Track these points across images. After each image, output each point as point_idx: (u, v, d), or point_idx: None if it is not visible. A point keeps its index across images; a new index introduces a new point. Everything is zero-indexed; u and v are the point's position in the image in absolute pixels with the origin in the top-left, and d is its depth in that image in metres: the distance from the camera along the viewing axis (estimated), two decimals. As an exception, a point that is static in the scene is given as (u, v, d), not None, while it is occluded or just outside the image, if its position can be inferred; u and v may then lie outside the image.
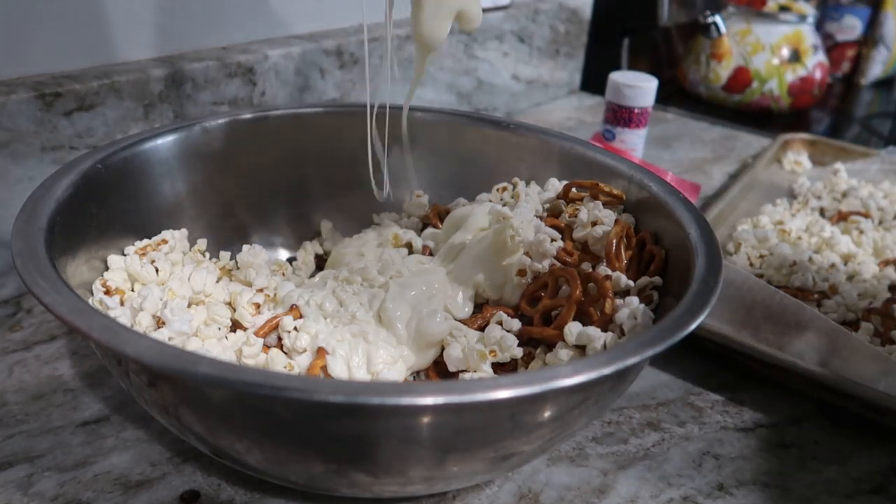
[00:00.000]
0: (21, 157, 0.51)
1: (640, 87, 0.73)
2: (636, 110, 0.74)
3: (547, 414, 0.33)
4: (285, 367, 0.40)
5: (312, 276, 0.52)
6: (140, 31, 0.60)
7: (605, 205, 0.48)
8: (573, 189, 0.49)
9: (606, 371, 0.30)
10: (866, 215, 0.68)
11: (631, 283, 0.42)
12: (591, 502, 0.40)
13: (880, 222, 0.69)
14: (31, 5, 0.53)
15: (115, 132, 0.56)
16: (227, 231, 0.52)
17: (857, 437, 0.46)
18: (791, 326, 0.48)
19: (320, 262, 0.55)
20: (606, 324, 0.41)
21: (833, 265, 0.59)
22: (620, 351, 0.31)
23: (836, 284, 0.57)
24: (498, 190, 0.53)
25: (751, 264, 0.62)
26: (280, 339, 0.42)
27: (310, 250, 0.55)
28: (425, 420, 0.30)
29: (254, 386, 0.27)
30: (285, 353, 0.41)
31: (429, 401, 0.28)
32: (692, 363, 0.51)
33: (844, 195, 0.74)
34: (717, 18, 1.02)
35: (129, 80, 0.56)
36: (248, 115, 0.52)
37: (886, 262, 0.60)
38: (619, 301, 0.41)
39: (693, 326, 0.33)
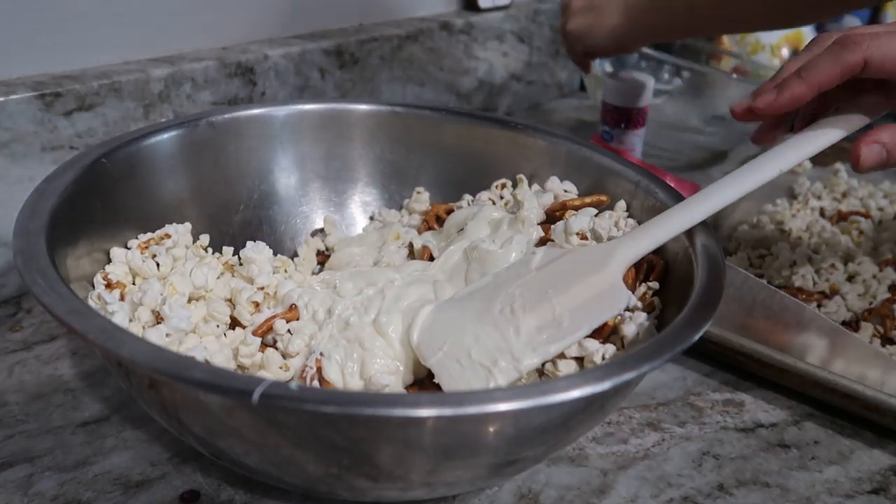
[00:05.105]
0: (21, 157, 0.51)
1: (635, 87, 0.72)
2: (633, 111, 0.73)
3: (545, 425, 0.33)
4: (280, 368, 0.40)
5: (315, 273, 0.52)
6: (140, 31, 0.60)
7: (592, 205, 0.48)
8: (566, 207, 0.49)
9: (603, 388, 0.30)
10: (866, 215, 0.68)
11: (639, 304, 0.42)
12: (591, 502, 0.40)
13: (880, 222, 0.69)
14: (30, 5, 0.53)
15: (115, 132, 0.56)
16: (230, 226, 0.52)
17: (857, 437, 0.46)
18: (791, 326, 0.48)
19: (323, 258, 0.55)
20: (609, 334, 0.41)
21: (833, 265, 0.59)
22: (618, 366, 0.31)
23: (836, 284, 0.57)
24: (497, 187, 0.53)
25: (751, 264, 0.62)
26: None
27: (312, 246, 0.55)
28: (421, 431, 0.30)
29: (246, 395, 0.27)
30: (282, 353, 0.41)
31: (422, 413, 0.27)
32: (692, 363, 0.51)
33: (844, 195, 0.74)
34: (717, 19, 1.01)
35: (129, 80, 0.56)
36: (252, 111, 0.52)
37: (886, 262, 0.60)
38: (627, 314, 0.41)
39: (692, 341, 0.33)
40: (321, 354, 0.40)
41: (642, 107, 0.74)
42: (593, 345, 0.39)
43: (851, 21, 1.22)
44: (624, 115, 0.74)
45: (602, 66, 0.84)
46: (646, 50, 0.79)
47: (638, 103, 0.73)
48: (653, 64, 0.84)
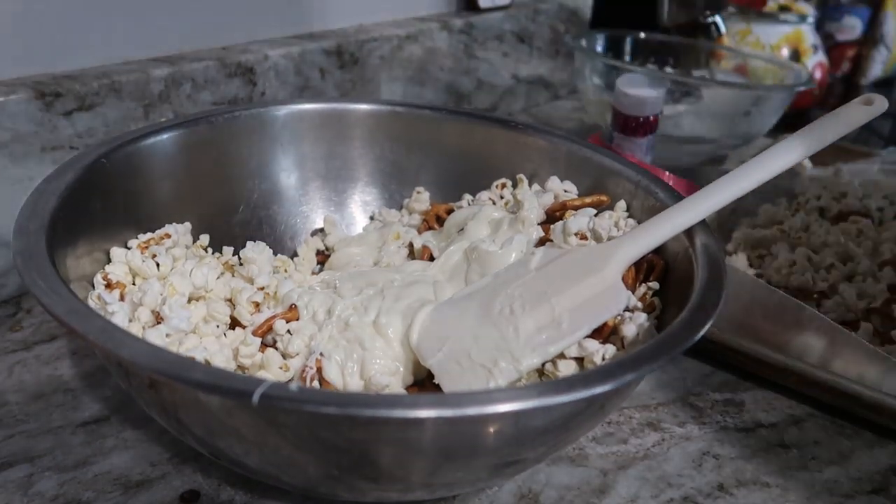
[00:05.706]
0: (21, 157, 0.51)
1: (647, 96, 0.71)
2: (637, 119, 0.72)
3: (546, 426, 0.33)
4: (280, 368, 0.40)
5: (315, 273, 0.52)
6: (140, 31, 0.60)
7: (592, 205, 0.48)
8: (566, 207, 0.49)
9: (603, 389, 0.30)
10: (866, 215, 0.68)
11: (639, 304, 0.42)
12: (591, 502, 0.40)
13: (880, 222, 0.69)
14: (30, 5, 0.53)
15: (115, 132, 0.56)
16: (230, 226, 0.52)
17: (857, 437, 0.46)
18: (791, 326, 0.48)
19: (323, 258, 0.55)
20: (609, 334, 0.41)
21: (833, 265, 0.59)
22: (618, 367, 0.31)
23: (836, 284, 0.57)
24: (497, 187, 0.53)
25: (750, 264, 0.61)
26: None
27: (312, 246, 0.55)
28: (421, 432, 0.30)
29: (246, 395, 0.27)
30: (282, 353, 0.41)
31: (422, 414, 0.27)
32: (692, 363, 0.51)
33: (844, 195, 0.74)
34: (717, 18, 1.01)
35: (129, 80, 0.56)
36: (252, 111, 0.52)
37: (886, 262, 0.60)
38: (627, 315, 0.41)
39: (692, 342, 0.33)
40: (321, 355, 0.40)
41: (649, 116, 0.71)
42: (593, 345, 0.39)
43: (851, 20, 1.22)
44: (629, 122, 0.72)
45: (592, 75, 0.83)
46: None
47: (648, 112, 0.71)
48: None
